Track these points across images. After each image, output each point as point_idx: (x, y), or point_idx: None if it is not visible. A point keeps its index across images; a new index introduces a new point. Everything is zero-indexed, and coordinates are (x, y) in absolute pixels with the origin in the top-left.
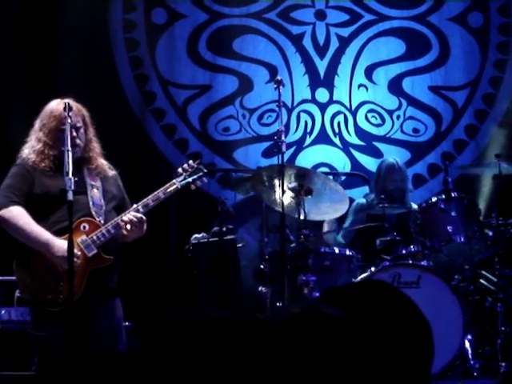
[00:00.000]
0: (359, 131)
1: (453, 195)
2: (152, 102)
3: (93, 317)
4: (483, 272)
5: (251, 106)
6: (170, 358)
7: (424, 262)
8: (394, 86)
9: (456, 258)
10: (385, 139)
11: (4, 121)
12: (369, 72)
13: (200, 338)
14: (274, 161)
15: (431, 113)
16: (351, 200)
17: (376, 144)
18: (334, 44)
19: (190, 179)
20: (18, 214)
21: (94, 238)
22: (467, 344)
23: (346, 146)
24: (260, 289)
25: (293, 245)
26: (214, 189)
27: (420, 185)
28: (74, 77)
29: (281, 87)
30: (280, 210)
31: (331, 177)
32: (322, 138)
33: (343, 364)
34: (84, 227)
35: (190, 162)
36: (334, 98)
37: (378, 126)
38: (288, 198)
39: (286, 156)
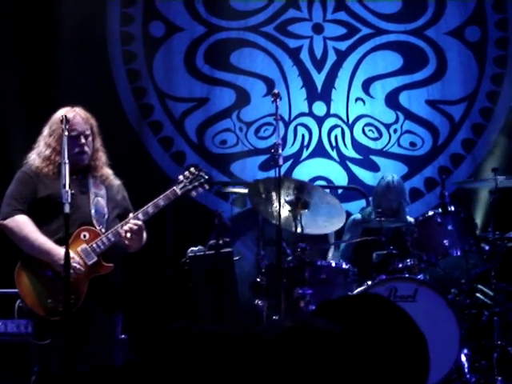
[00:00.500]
0: (356, 145)
1: (449, 209)
2: (149, 114)
3: (91, 328)
4: (480, 286)
5: (248, 119)
6: (165, 371)
7: (420, 276)
8: (391, 100)
9: (452, 272)
10: (382, 153)
11: (2, 134)
12: (366, 86)
13: (195, 350)
14: (271, 174)
15: (428, 127)
16: (348, 214)
17: (373, 158)
18: (332, 57)
19: (190, 186)
20: (23, 223)
21: (94, 246)
22: (463, 358)
23: (342, 160)
24: (256, 302)
25: (289, 258)
26: (210, 202)
27: (417, 198)
28: (72, 89)
29: (278, 100)
30: (277, 223)
31: (328, 190)
32: (319, 152)
33: (337, 378)
34: (84, 236)
35: (192, 169)
36: (331, 112)
37: (375, 139)
38: (285, 212)
39: (283, 169)
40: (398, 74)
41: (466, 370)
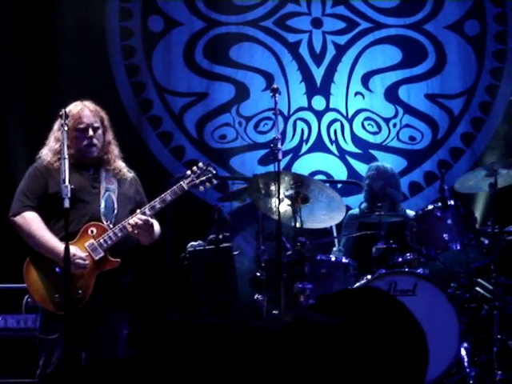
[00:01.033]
0: (356, 139)
1: (449, 203)
2: (148, 109)
3: (99, 323)
4: (479, 280)
5: (247, 114)
6: (165, 363)
7: (420, 270)
8: (391, 94)
9: (452, 266)
10: (381, 147)
11: (1, 132)
12: (365, 80)
13: (194, 342)
14: (271, 168)
15: (427, 121)
16: (347, 208)
17: (372, 152)
18: (331, 52)
19: (197, 181)
20: (31, 220)
21: (101, 241)
22: (463, 352)
23: (342, 154)
24: (256, 296)
25: (289, 252)
26: (210, 196)
27: (416, 193)
28: (71, 84)
29: (277, 95)
30: (276, 217)
31: (327, 184)
32: (319, 146)
33: (336, 372)
34: (92, 231)
35: (200, 164)
36: (331, 106)
37: (374, 133)
38: (284, 206)
39: (283, 164)
40: (397, 68)
41: (466, 364)
